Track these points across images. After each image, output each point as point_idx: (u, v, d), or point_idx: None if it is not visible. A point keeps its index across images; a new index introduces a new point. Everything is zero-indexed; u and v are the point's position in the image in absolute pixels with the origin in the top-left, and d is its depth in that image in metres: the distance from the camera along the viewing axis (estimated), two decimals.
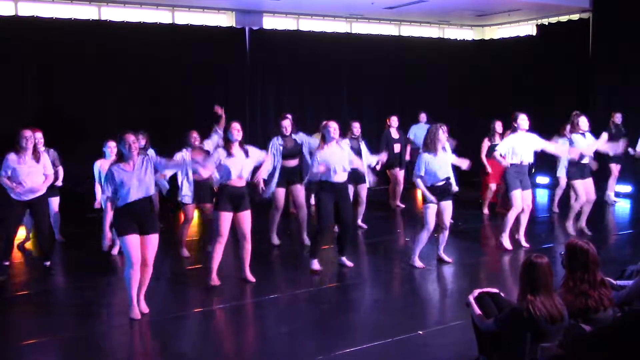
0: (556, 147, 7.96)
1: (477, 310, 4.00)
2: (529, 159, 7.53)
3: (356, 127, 8.64)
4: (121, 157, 5.29)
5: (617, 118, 10.50)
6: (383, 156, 8.05)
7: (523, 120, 7.52)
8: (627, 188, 11.03)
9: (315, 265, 6.85)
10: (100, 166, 7.34)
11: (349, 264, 7.03)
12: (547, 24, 13.53)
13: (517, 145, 7.46)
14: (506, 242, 7.64)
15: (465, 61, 14.14)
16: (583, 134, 7.99)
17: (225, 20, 12.30)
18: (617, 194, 10.78)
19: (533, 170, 10.51)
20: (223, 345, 5.14)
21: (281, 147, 7.58)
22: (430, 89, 13.85)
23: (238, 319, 5.73)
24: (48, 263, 7.03)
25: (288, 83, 12.54)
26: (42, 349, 4.98)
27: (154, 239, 5.39)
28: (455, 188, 6.94)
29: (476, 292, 4.14)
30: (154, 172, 5.39)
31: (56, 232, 8.08)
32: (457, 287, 6.54)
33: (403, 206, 10.60)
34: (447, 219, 6.94)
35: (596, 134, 8.13)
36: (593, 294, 3.78)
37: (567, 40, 12.82)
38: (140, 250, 5.33)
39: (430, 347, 4.86)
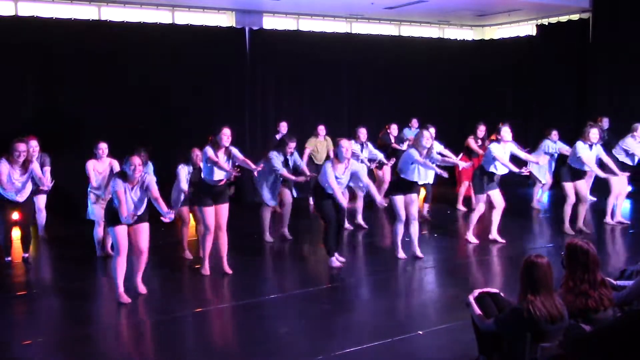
0: (526, 156, 8.14)
1: (477, 310, 4.00)
2: (503, 171, 7.76)
3: (362, 133, 8.87)
4: (124, 177, 5.73)
5: (605, 123, 10.54)
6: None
7: (506, 132, 7.75)
8: (626, 188, 11.00)
9: (335, 262, 7.02)
10: (94, 167, 7.45)
11: (341, 259, 7.17)
12: (547, 24, 13.52)
13: (499, 156, 7.64)
14: (471, 237, 7.98)
15: (465, 61, 14.13)
16: (591, 146, 8.14)
17: (225, 20, 12.30)
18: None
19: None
20: (223, 345, 5.14)
21: (282, 165, 7.84)
22: (430, 89, 13.85)
23: (238, 319, 5.73)
24: (26, 255, 7.30)
25: (288, 83, 12.53)
26: (40, 349, 4.98)
27: (144, 227, 5.89)
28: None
29: (476, 292, 4.14)
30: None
31: (40, 229, 8.36)
32: (457, 287, 6.53)
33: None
34: (415, 211, 7.24)
35: None
36: (593, 294, 3.78)
37: (567, 40, 12.81)
38: (134, 238, 5.86)
39: (430, 347, 4.86)
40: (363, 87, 13.34)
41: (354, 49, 13.00)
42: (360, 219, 9.15)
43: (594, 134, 8.13)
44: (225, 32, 11.89)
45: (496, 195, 7.85)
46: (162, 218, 5.69)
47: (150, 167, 7.86)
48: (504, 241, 7.99)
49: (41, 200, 8.28)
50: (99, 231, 7.53)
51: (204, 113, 11.13)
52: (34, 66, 10.21)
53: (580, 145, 8.13)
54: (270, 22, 12.60)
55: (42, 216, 8.42)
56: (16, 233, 7.84)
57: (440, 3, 11.96)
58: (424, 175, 7.15)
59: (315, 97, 12.64)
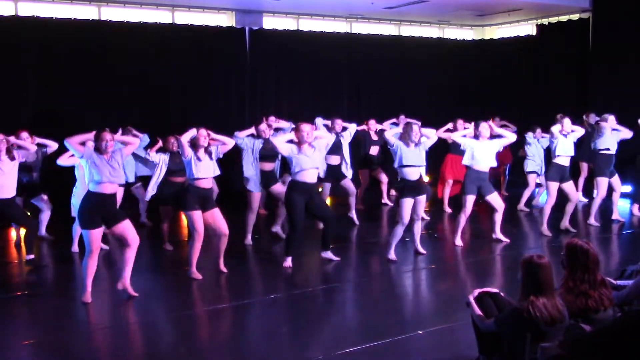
0: (509, 135, 8.03)
1: (477, 310, 4.00)
2: (489, 164, 7.71)
3: (338, 124, 8.97)
4: (97, 152, 5.85)
5: (591, 118, 10.57)
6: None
7: (484, 128, 7.71)
8: (627, 188, 11.02)
9: (288, 262, 6.99)
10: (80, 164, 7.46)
11: (335, 258, 7.17)
12: (547, 24, 13.52)
13: (478, 151, 7.62)
14: (458, 241, 7.86)
15: (465, 61, 14.12)
16: (565, 135, 8.22)
17: (225, 20, 12.30)
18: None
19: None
20: (223, 345, 5.14)
21: (261, 147, 7.83)
22: (430, 89, 13.85)
23: (238, 319, 5.73)
24: (32, 256, 7.24)
25: (288, 83, 12.54)
26: (39, 349, 4.98)
27: (126, 224, 5.89)
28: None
29: (476, 292, 4.13)
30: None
31: (42, 229, 8.24)
32: (457, 287, 6.53)
33: (391, 204, 10.74)
34: (421, 211, 7.22)
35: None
36: (593, 294, 3.78)
37: (567, 40, 12.81)
38: (118, 236, 5.96)
39: (430, 347, 4.86)
40: (363, 87, 13.33)
41: (354, 49, 13.01)
42: (353, 214, 9.19)
43: (567, 123, 8.22)
44: (225, 32, 11.90)
45: (495, 199, 7.78)
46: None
47: (145, 137, 8.54)
48: (507, 240, 7.98)
49: (44, 200, 8.25)
50: (78, 228, 7.57)
51: (204, 113, 11.13)
52: (34, 66, 10.22)
53: (555, 132, 8.20)
54: (270, 22, 12.60)
55: (45, 216, 8.30)
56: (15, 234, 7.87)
57: (440, 3, 11.96)
58: (416, 159, 7.02)
59: (315, 97, 12.64)
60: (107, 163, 5.79)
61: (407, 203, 6.99)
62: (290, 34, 12.57)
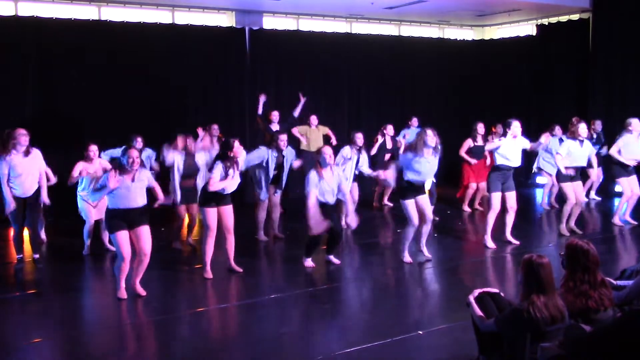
0: (535, 145, 8.05)
1: (478, 311, 4.00)
2: (517, 163, 7.67)
3: (359, 138, 8.32)
4: (121, 169, 5.73)
5: (597, 125, 10.55)
6: (382, 174, 7.60)
7: (516, 127, 7.63)
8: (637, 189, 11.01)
9: (309, 263, 7.06)
10: (83, 169, 7.47)
11: (336, 261, 7.20)
12: (547, 24, 13.52)
13: (509, 150, 7.58)
14: (489, 243, 7.76)
15: (465, 61, 14.12)
16: (581, 142, 8.09)
17: (225, 20, 12.30)
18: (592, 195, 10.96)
19: (533, 170, 10.61)
20: (223, 345, 5.15)
21: (275, 160, 7.97)
22: (430, 89, 13.85)
23: (238, 319, 5.73)
24: (37, 256, 7.40)
25: (288, 83, 12.52)
26: (41, 349, 4.98)
27: (145, 230, 5.86)
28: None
29: (476, 292, 4.13)
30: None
31: (41, 230, 8.31)
32: (457, 287, 6.53)
33: (391, 205, 10.72)
34: (429, 213, 7.15)
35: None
36: (593, 295, 3.78)
37: (567, 40, 12.81)
38: (136, 243, 5.84)
39: (430, 347, 4.86)
40: (363, 87, 13.33)
41: (354, 49, 13.00)
42: (343, 220, 9.14)
43: (582, 128, 8.11)
44: (225, 32, 11.89)
45: (512, 198, 7.70)
46: (157, 203, 6.07)
47: (148, 151, 8.49)
48: (518, 242, 7.89)
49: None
50: (89, 229, 7.62)
51: (204, 113, 11.13)
52: (34, 66, 10.21)
53: (569, 143, 8.12)
54: (270, 22, 12.60)
55: (41, 217, 8.39)
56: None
57: (440, 3, 11.96)
58: (431, 169, 6.97)
59: (315, 97, 12.62)
60: (129, 187, 5.71)
61: (410, 204, 6.99)
62: (290, 34, 12.57)
